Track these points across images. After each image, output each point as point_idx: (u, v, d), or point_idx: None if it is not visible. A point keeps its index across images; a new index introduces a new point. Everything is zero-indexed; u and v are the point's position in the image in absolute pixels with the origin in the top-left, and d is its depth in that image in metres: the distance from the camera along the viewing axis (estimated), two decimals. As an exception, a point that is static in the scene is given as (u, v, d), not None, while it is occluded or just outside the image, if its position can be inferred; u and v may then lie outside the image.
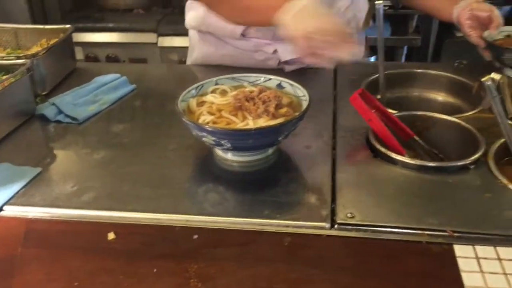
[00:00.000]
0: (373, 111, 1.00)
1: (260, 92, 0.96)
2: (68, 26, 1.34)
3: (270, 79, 1.02)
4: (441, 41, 2.43)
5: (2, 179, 0.90)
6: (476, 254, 0.73)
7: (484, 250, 0.73)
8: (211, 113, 0.93)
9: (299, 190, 0.87)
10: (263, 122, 0.90)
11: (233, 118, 0.91)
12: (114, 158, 0.99)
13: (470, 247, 0.74)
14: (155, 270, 0.72)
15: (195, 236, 0.78)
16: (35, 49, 1.30)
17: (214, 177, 0.93)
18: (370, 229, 0.78)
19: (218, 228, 0.80)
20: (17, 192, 0.87)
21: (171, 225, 0.81)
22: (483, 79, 0.93)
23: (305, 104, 0.93)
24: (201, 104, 0.97)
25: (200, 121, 0.91)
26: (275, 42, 1.30)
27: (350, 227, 0.79)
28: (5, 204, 0.85)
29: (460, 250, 0.74)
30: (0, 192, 0.87)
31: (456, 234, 0.76)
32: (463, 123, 1.03)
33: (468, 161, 0.90)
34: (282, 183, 0.90)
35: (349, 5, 1.30)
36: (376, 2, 1.11)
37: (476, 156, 0.91)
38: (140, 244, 0.77)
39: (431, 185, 0.87)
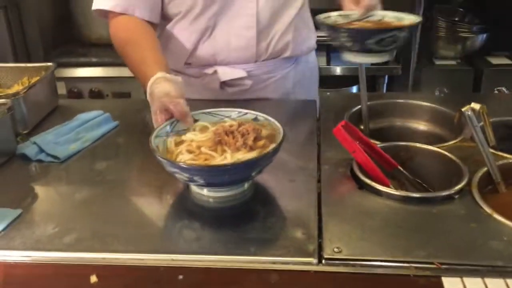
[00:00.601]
0: (356, 142, 1.00)
1: (240, 125, 0.96)
2: (50, 64, 1.34)
3: (246, 113, 1.03)
4: (421, 69, 2.48)
5: (-19, 222, 0.88)
6: (464, 286, 0.72)
7: (472, 282, 0.73)
8: (190, 151, 0.93)
9: (284, 225, 0.87)
10: (240, 155, 0.90)
11: (212, 153, 0.91)
12: (97, 197, 0.97)
13: (458, 279, 0.73)
14: (139, 313, 0.71)
15: (180, 277, 0.76)
16: (16, 88, 1.29)
17: (200, 214, 0.92)
18: (358, 264, 0.77)
19: (203, 267, 0.79)
20: (-4, 236, 0.85)
21: (155, 266, 0.79)
22: (463, 109, 0.95)
23: (279, 138, 0.92)
24: (180, 143, 0.96)
25: (177, 160, 0.90)
26: (215, 64, 1.34)
27: (337, 262, 0.78)
28: (-17, 248, 0.83)
29: (448, 282, 0.73)
30: (-21, 236, 0.85)
31: (443, 266, 0.75)
32: (445, 152, 1.03)
33: (452, 191, 0.91)
34: (267, 218, 0.89)
35: (286, 29, 1.33)
36: (357, 34, 1.14)
37: (460, 185, 0.91)
38: (123, 286, 0.76)
39: (417, 216, 0.87)
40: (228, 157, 0.89)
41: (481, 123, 1.04)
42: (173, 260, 0.80)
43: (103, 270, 0.78)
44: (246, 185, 0.96)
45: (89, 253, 0.82)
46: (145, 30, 1.25)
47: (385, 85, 2.48)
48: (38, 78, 1.29)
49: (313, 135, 1.18)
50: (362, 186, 0.96)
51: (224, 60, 1.34)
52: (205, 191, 0.94)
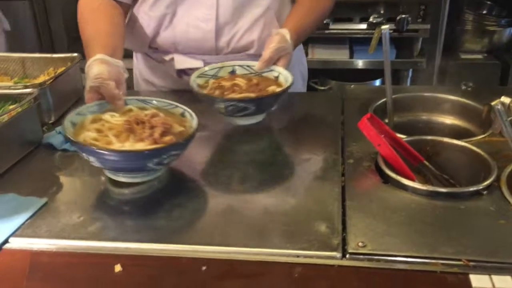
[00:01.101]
0: (382, 136, 0.99)
1: (152, 116, 0.97)
2: (75, 54, 1.35)
3: (176, 106, 1.03)
4: (446, 63, 2.43)
5: (8, 210, 0.89)
6: (493, 284, 0.71)
7: (501, 280, 0.71)
8: (99, 131, 0.95)
9: (309, 218, 0.86)
10: (141, 146, 0.90)
11: (112, 139, 0.92)
12: (121, 186, 0.98)
13: (486, 276, 0.72)
14: (163, 303, 0.71)
15: (204, 268, 0.76)
16: (42, 78, 1.30)
17: (223, 204, 0.91)
18: (383, 259, 0.76)
19: (226, 259, 0.78)
20: (23, 224, 0.86)
21: (179, 256, 0.79)
22: (493, 103, 0.93)
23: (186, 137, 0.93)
24: (97, 121, 0.98)
25: (82, 136, 0.92)
26: (175, 52, 1.34)
27: (362, 256, 0.77)
28: (10, 236, 0.84)
29: (476, 280, 0.72)
30: (6, 224, 0.86)
31: (471, 263, 0.74)
32: (473, 147, 1.01)
33: (480, 186, 0.89)
34: (292, 211, 0.88)
35: (251, 27, 1.31)
36: (382, 27, 1.12)
37: (488, 181, 0.89)
38: (147, 276, 0.76)
39: (444, 211, 0.85)
40: (127, 146, 0.91)
41: (511, 118, 1.01)
42: (196, 251, 0.80)
43: (127, 259, 0.78)
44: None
45: (114, 242, 0.82)
46: (108, 12, 1.24)
47: (409, 78, 2.44)
48: (63, 68, 1.30)
49: (337, 128, 1.16)
50: (387, 180, 0.94)
51: (184, 49, 1.33)
52: None
